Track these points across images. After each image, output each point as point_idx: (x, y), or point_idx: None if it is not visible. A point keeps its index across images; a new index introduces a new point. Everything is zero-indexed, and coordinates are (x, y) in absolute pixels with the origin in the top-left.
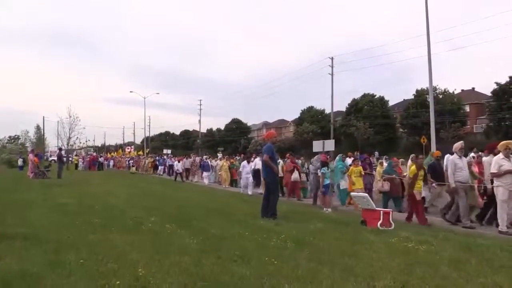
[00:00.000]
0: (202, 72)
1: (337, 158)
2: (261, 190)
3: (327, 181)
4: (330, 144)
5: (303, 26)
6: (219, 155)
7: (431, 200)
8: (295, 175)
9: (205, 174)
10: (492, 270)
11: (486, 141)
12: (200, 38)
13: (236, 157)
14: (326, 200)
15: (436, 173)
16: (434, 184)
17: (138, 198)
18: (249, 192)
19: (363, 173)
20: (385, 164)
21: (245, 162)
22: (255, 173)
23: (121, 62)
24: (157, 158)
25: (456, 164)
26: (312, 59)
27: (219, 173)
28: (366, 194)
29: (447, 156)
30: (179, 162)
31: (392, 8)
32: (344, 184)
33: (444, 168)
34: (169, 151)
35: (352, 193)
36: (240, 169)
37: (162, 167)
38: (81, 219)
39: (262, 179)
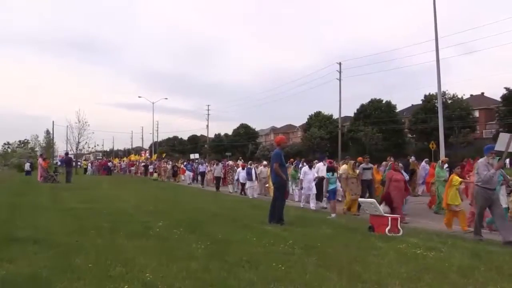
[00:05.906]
0: (210, 77)
1: (438, 163)
2: (324, 204)
3: (332, 186)
4: None
5: (311, 31)
6: (239, 161)
7: None
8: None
9: (249, 184)
10: (502, 278)
11: None
12: (208, 43)
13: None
14: (331, 205)
15: None
16: None
17: (146, 203)
18: (312, 206)
19: (463, 186)
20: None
21: (306, 168)
22: (319, 181)
23: (130, 68)
24: (185, 163)
25: None
26: (320, 65)
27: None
28: (374, 200)
29: None
30: (243, 169)
31: (401, 13)
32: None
33: None
34: (196, 155)
35: (359, 199)
36: (301, 177)
37: (191, 173)
38: (90, 223)
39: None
